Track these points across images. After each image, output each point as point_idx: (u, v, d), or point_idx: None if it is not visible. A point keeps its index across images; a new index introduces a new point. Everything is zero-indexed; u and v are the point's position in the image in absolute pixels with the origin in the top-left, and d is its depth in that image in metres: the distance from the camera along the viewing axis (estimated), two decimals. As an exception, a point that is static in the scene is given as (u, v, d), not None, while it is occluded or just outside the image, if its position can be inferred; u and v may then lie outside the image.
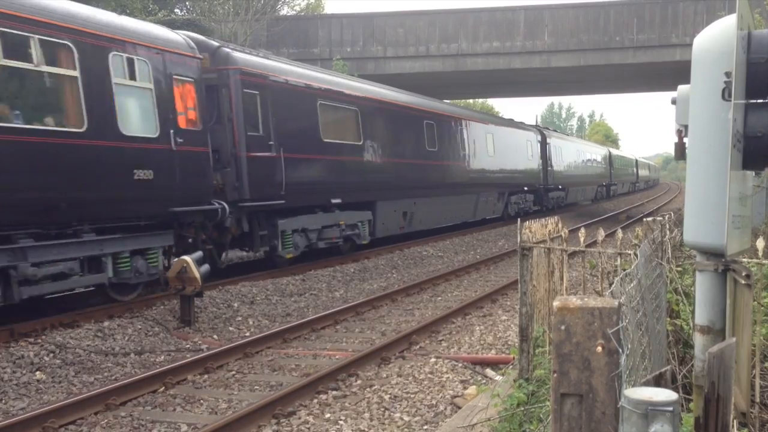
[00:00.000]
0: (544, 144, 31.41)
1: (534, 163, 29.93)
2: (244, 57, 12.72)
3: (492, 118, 28.09)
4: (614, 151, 55.70)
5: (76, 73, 9.11)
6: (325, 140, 14.69)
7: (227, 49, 12.43)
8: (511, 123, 29.38)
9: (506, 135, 26.56)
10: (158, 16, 24.86)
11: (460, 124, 22.21)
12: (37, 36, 8.58)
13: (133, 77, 10.00)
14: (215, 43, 12.51)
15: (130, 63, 9.95)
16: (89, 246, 9.40)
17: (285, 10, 30.66)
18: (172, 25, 25.53)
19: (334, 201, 15.02)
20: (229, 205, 11.60)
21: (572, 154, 37.38)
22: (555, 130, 41.05)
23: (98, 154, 9.35)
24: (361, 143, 16.21)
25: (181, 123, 10.76)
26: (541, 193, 30.82)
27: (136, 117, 10.09)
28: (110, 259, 9.71)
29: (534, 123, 38.20)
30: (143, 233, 10.28)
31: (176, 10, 28.26)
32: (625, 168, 58.39)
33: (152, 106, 10.26)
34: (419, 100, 20.44)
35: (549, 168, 31.73)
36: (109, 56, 9.62)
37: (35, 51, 8.57)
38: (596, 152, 46.12)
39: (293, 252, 13.92)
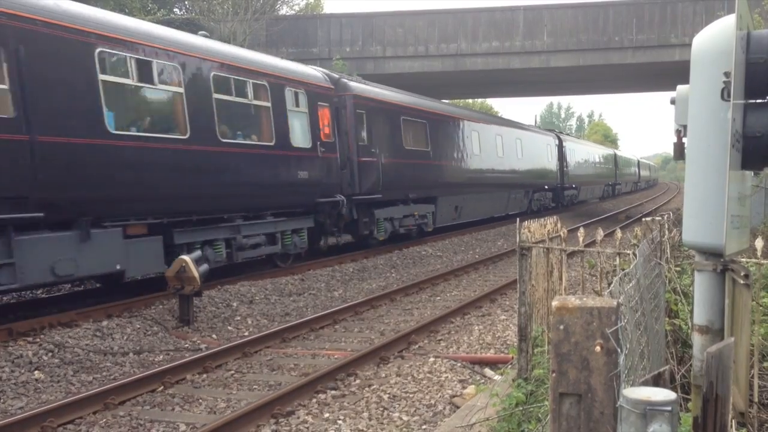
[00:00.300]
0: (561, 147, 34.77)
1: (553, 164, 33.16)
2: (356, 85, 16.79)
3: (521, 125, 30.80)
4: (619, 153, 58.64)
5: (269, 104, 13.04)
6: (407, 148, 18.56)
7: (345, 80, 16.48)
8: (534, 129, 33.04)
9: (531, 140, 30.08)
10: (157, 16, 24.85)
11: (497, 132, 26.12)
12: (251, 80, 12.64)
13: (297, 105, 13.95)
14: (336, 76, 16.57)
15: (296, 95, 13.96)
16: (270, 225, 13.32)
17: (284, 10, 30.66)
18: (171, 24, 25.51)
19: (410, 196, 18.75)
20: (345, 198, 15.36)
21: (584, 156, 40.89)
22: (568, 134, 45.50)
23: (281, 160, 13.31)
24: (428, 150, 19.93)
25: (323, 137, 14.72)
26: (558, 191, 33.96)
27: (299, 133, 13.97)
28: (280, 236, 13.60)
29: (551, 130, 41.99)
30: (297, 217, 14.18)
31: (175, 10, 28.25)
32: (629, 168, 61.78)
33: (307, 125, 14.25)
34: (468, 112, 25.56)
35: (565, 169, 35.01)
36: (285, 91, 13.58)
37: (249, 90, 12.57)
38: (604, 154, 49.46)
39: (384, 235, 17.66)
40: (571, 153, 36.75)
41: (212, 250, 11.70)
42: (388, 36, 26.22)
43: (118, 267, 9.78)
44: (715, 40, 3.28)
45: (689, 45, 3.55)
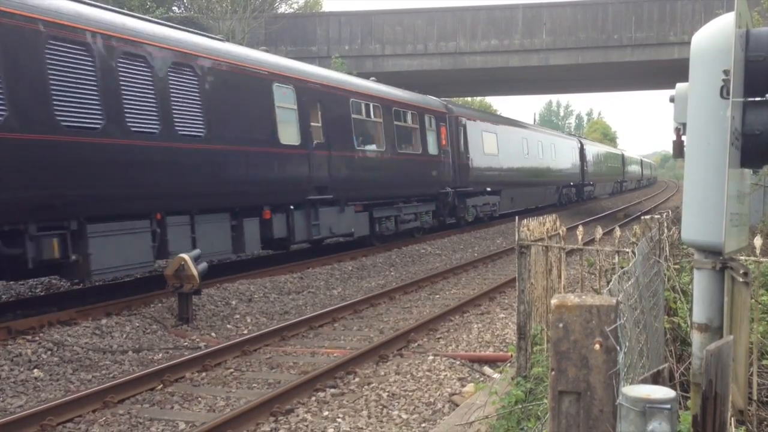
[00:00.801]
0: (582, 150, 41.27)
1: (576, 164, 39.66)
2: (457, 108, 23.59)
3: (555, 132, 38.83)
4: (626, 154, 65.15)
5: (417, 126, 19.61)
6: (486, 153, 24.63)
7: (451, 105, 22.94)
8: (563, 135, 40.74)
9: (562, 144, 37.28)
10: (156, 14, 24.80)
11: (539, 138, 32.60)
12: (410, 111, 19.17)
13: (430, 127, 20.46)
14: (444, 102, 22.77)
15: (429, 119, 20.39)
16: (415, 207, 19.56)
17: (283, 8, 30.63)
18: (170, 22, 25.50)
19: (486, 189, 24.85)
20: (452, 190, 21.75)
21: (600, 157, 47.33)
22: (585, 138, 52.96)
23: (425, 163, 19.87)
24: (497, 154, 25.89)
25: (443, 146, 21.08)
26: (580, 187, 40.40)
27: (432, 144, 20.38)
28: (420, 215, 19.92)
29: (574, 134, 49.98)
30: (427, 203, 20.42)
31: (174, 8, 28.21)
32: (633, 167, 68.58)
33: (435, 139, 20.63)
34: (521, 122, 32.07)
35: (585, 168, 41.13)
36: (425, 116, 20.07)
37: (409, 118, 19.18)
38: (614, 154, 56.12)
39: (471, 218, 23.64)
40: (589, 155, 42.89)
41: (389, 222, 18.16)
42: (387, 34, 26.20)
43: (352, 230, 16.28)
44: (714, 38, 3.28)
45: (688, 43, 3.55)
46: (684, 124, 3.49)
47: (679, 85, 3.62)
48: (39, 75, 8.80)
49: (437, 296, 12.24)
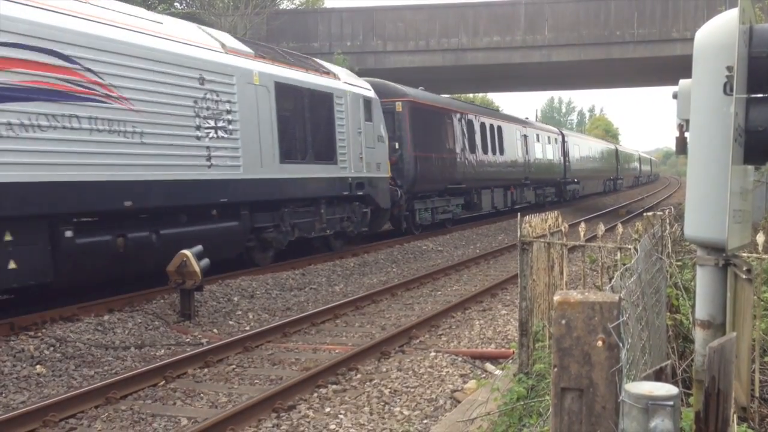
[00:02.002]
0: (616, 152, 52.18)
1: (611, 164, 48.50)
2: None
3: (536, 124, 36.51)
4: (621, 148, 64.99)
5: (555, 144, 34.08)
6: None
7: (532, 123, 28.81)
8: (544, 127, 39.65)
9: (593, 145, 45.25)
10: (158, 10, 24.78)
11: (563, 141, 36.41)
12: (544, 133, 33.30)
13: (556, 142, 32.38)
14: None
15: (554, 138, 32.72)
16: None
17: (285, 4, 30.60)
18: (172, 17, 25.47)
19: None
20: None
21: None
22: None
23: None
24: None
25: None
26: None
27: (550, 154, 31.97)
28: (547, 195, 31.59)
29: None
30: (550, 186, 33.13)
31: (176, 4, 28.19)
32: (632, 163, 70.23)
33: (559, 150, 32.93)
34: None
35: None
36: (549, 136, 32.66)
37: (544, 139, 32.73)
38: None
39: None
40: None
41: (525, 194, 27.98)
42: (388, 30, 26.16)
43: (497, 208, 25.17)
44: (717, 34, 3.26)
45: (691, 39, 3.54)
46: (687, 121, 3.49)
47: (682, 82, 3.61)
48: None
49: (439, 293, 12.24)
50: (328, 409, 6.32)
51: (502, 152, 26.25)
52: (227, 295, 11.16)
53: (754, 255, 4.24)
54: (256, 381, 7.25)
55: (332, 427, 5.88)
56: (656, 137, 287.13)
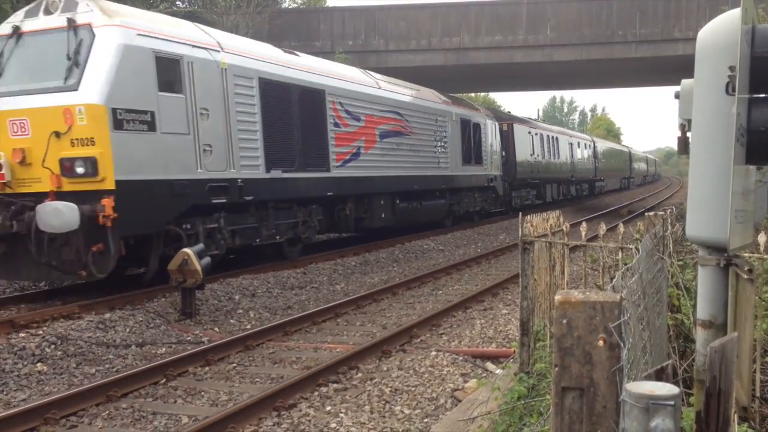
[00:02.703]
0: (630, 155, 57.58)
1: (625, 165, 55.29)
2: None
3: (577, 133, 45.61)
4: (633, 150, 70.66)
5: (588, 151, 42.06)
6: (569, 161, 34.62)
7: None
8: (614, 144, 53.37)
9: (614, 149, 52.15)
10: (160, 9, 24.78)
11: (594, 146, 43.03)
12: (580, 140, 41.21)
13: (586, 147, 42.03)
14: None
15: (581, 144, 38.88)
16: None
17: (287, 3, 30.60)
18: (175, 17, 25.45)
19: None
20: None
21: (609, 153, 51.81)
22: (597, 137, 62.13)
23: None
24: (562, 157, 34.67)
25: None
26: (627, 180, 54.45)
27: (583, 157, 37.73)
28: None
29: (587, 134, 56.18)
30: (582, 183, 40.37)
31: (178, 2, 28.20)
32: (640, 164, 75.56)
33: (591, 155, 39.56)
34: (583, 135, 45.03)
35: (631, 167, 54.75)
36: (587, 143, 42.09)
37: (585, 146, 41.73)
38: (642, 156, 69.90)
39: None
40: (600, 152, 47.11)
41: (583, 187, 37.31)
42: (390, 29, 26.14)
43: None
44: (719, 34, 3.26)
45: (693, 39, 3.54)
46: (689, 121, 3.49)
47: (685, 81, 3.60)
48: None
49: (440, 292, 12.24)
50: (329, 408, 6.32)
51: (558, 157, 33.95)
52: (228, 293, 11.17)
53: (756, 255, 4.24)
54: (257, 379, 7.25)
55: (333, 425, 5.88)
56: (658, 137, 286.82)
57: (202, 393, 6.79)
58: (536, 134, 30.32)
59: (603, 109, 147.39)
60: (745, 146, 3.24)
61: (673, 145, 4.16)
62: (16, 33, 10.07)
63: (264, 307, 10.79)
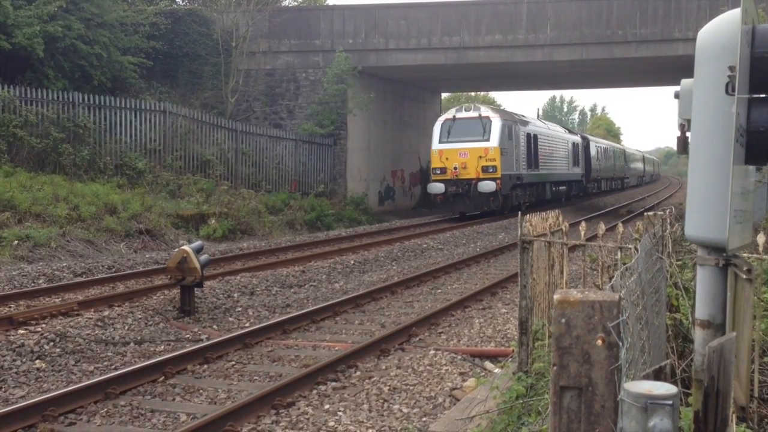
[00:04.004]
0: (643, 158, 69.31)
1: (641, 165, 67.77)
2: (586, 136, 42.09)
3: (631, 149, 62.71)
4: (649, 156, 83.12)
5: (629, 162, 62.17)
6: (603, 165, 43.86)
7: (584, 135, 42.17)
8: (633, 149, 67.87)
9: (634, 152, 65.86)
10: (160, 6, 24.76)
11: (624, 151, 56.27)
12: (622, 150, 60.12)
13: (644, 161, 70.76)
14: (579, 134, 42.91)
15: (616, 150, 55.19)
16: (597, 182, 44.81)
17: (287, 1, 30.55)
18: (174, 15, 25.45)
19: (612, 176, 49.38)
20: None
21: (638, 160, 66.36)
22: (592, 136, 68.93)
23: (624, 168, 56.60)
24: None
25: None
26: (641, 179, 66.43)
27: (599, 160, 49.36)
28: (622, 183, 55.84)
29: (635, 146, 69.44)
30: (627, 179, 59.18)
31: (178, 0, 28.17)
32: (635, 164, 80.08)
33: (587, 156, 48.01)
34: (614, 144, 58.24)
35: (644, 168, 68.21)
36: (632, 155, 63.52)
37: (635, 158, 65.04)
38: (646, 157, 76.04)
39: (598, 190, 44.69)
40: (628, 155, 58.89)
41: (616, 182, 51.44)
42: (390, 28, 26.11)
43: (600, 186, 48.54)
44: (719, 34, 3.26)
45: (693, 39, 3.54)
46: (688, 120, 3.48)
47: (684, 81, 3.60)
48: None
49: (439, 291, 12.25)
50: (327, 407, 6.33)
51: (607, 160, 45.84)
52: (227, 291, 11.17)
53: (755, 255, 4.24)
54: (255, 377, 7.25)
55: (331, 424, 5.88)
56: (657, 137, 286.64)
57: (201, 391, 6.80)
58: (599, 146, 43.91)
59: (603, 109, 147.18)
60: (744, 146, 3.24)
61: (673, 145, 4.16)
62: (454, 118, 24.31)
63: (263, 305, 10.79)
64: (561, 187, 32.27)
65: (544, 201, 29.15)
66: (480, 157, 23.11)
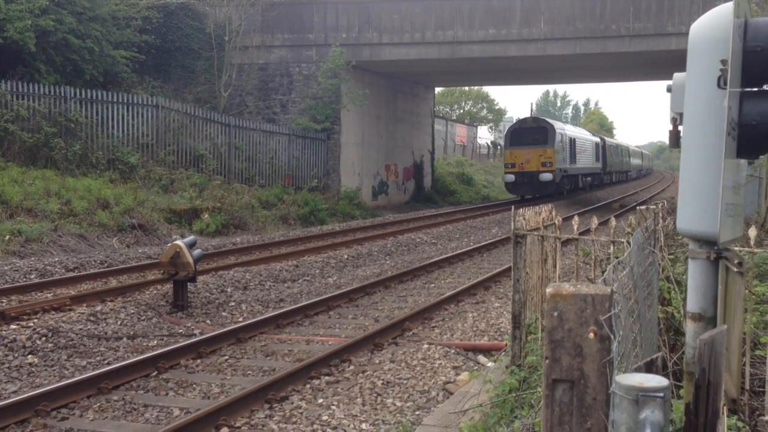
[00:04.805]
0: (641, 154, 77.25)
1: (641, 160, 74.98)
2: (603, 137, 50.55)
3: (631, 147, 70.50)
4: (643, 150, 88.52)
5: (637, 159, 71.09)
6: (613, 160, 50.34)
7: (601, 136, 50.22)
8: (635, 147, 74.61)
9: (635, 149, 71.69)
10: (151, 0, 24.63)
11: (629, 148, 63.20)
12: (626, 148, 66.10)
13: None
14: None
15: (624, 147, 62.47)
16: (610, 175, 52.12)
17: (280, -5, 30.38)
18: (166, 9, 25.32)
19: (622, 169, 57.93)
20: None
21: (637, 155, 72.32)
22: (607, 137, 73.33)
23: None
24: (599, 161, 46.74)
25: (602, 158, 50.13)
26: (640, 172, 72.13)
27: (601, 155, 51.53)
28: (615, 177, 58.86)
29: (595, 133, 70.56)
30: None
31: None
32: (636, 159, 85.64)
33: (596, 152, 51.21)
34: (626, 143, 68.78)
35: (643, 162, 76.01)
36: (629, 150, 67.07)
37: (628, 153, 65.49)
38: (646, 154, 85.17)
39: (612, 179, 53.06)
40: (632, 152, 66.50)
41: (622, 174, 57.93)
42: (384, 23, 26.04)
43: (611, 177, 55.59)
44: (712, 27, 3.27)
45: (685, 34, 3.54)
46: (681, 114, 3.49)
47: (677, 75, 3.61)
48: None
49: (432, 285, 12.26)
50: (320, 401, 6.33)
51: (617, 157, 52.22)
52: (220, 286, 11.15)
53: (746, 249, 4.26)
54: (248, 372, 7.25)
55: (325, 418, 5.89)
56: (650, 131, 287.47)
57: (194, 386, 6.79)
58: (611, 145, 51.24)
59: (596, 104, 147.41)
60: (736, 140, 3.25)
61: (665, 139, 4.17)
62: (520, 128, 32.68)
63: (256, 299, 10.78)
64: (588, 178, 40.69)
65: (578, 188, 38.18)
66: (540, 155, 31.14)
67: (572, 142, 35.52)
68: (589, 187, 41.34)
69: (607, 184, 48.47)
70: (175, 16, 25.36)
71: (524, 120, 34.53)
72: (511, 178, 31.66)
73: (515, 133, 32.48)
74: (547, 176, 31.09)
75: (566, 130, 36.06)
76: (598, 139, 44.99)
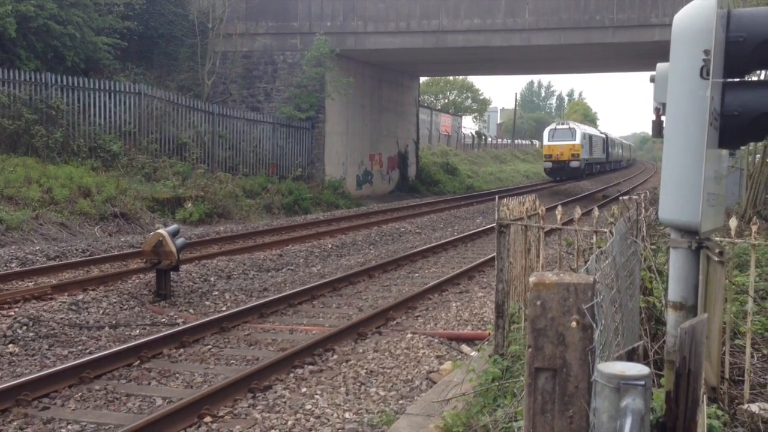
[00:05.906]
0: (630, 147, 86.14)
1: (629, 152, 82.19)
2: (606, 133, 63.74)
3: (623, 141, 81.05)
4: (625, 141, 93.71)
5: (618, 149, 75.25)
6: (612, 152, 61.49)
7: (605, 132, 61.43)
8: (626, 141, 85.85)
9: (625, 143, 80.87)
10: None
11: (621, 143, 73.97)
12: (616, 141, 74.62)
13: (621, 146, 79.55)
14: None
15: (619, 143, 74.20)
16: (611, 164, 64.28)
17: (264, -18, 30.08)
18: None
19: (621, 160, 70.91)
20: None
21: (625, 147, 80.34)
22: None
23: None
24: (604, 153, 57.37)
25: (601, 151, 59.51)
26: (627, 162, 78.87)
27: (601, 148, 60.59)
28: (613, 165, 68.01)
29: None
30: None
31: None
32: (626, 151, 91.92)
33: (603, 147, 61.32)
34: (620, 138, 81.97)
35: (630, 154, 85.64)
36: (614, 142, 70.30)
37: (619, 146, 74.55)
38: (631, 145, 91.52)
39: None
40: (623, 146, 75.31)
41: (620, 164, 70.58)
42: (369, 11, 25.92)
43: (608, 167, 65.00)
44: (695, 18, 3.27)
45: (669, 25, 3.55)
46: (664, 104, 3.50)
47: (660, 65, 3.62)
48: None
49: (416, 275, 12.28)
50: (304, 390, 6.33)
51: (615, 148, 61.49)
52: (204, 275, 11.10)
53: (726, 239, 4.30)
54: (232, 361, 7.23)
55: (308, 407, 5.89)
56: (633, 122, 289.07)
57: (177, 375, 6.76)
58: (611, 139, 59.71)
59: (580, 94, 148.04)
60: (718, 130, 3.27)
61: (648, 130, 4.19)
62: (555, 129, 44.14)
63: (240, 289, 10.75)
64: (598, 166, 51.65)
65: (593, 173, 49.72)
66: (570, 148, 42.09)
67: (590, 138, 47.85)
68: (598, 172, 53.70)
69: (608, 171, 59.86)
70: (158, 3, 25.08)
71: (557, 122, 48.00)
72: (549, 165, 43.52)
73: (551, 132, 44.12)
74: (576, 164, 42.69)
75: (586, 129, 49.43)
76: (604, 136, 57.21)
